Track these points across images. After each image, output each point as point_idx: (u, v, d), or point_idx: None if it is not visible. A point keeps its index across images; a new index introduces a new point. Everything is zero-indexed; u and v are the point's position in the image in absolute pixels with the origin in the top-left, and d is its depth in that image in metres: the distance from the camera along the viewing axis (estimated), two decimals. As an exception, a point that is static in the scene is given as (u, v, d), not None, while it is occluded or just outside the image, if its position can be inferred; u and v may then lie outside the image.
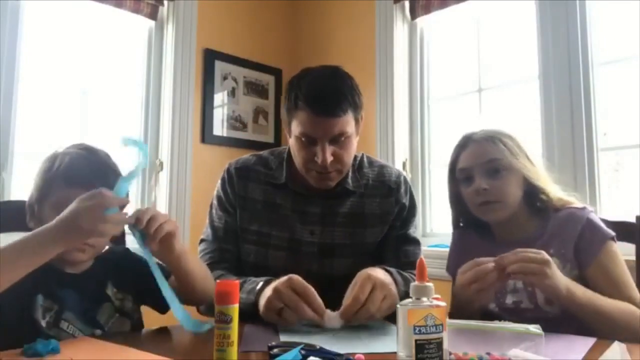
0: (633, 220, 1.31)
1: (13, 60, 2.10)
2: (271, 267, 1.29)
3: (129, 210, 1.01)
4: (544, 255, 1.00)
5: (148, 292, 1.08)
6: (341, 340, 0.95)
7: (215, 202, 1.41)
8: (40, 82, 2.24)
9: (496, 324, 0.88)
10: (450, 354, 0.73)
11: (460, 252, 1.29)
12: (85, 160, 1.08)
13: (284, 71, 2.95)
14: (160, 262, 1.05)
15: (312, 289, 1.06)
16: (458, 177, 1.25)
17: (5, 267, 0.87)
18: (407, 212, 1.38)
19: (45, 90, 2.26)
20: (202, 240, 1.40)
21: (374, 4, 2.63)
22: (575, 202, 1.22)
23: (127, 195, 1.01)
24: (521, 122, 2.18)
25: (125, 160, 1.10)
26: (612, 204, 1.88)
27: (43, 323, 1.00)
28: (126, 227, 1.00)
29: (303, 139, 1.22)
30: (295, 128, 1.23)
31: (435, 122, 2.50)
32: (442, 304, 0.70)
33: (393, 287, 1.11)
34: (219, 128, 2.70)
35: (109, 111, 2.45)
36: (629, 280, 1.13)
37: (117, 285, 1.13)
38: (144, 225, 0.96)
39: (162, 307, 1.13)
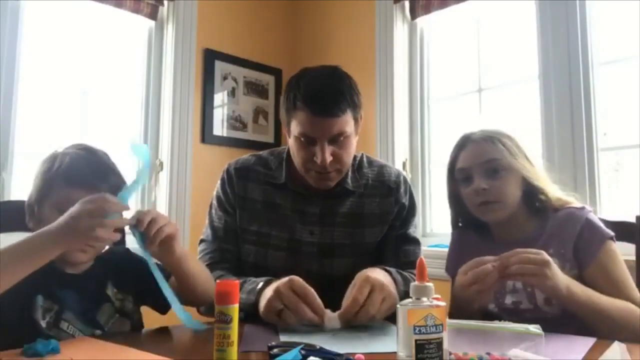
0: (633, 220, 1.31)
1: (13, 60, 2.10)
2: (271, 267, 1.29)
3: (128, 213, 1.01)
4: (544, 255, 1.00)
5: (148, 292, 1.08)
6: (341, 340, 0.95)
7: (215, 202, 1.40)
8: (40, 82, 2.24)
9: (496, 324, 0.88)
10: (450, 354, 0.73)
11: (459, 252, 1.29)
12: (85, 160, 1.08)
13: (284, 71, 2.95)
14: (160, 263, 1.05)
15: (313, 291, 1.05)
16: (457, 177, 1.25)
17: (6, 269, 0.87)
18: (407, 212, 1.38)
19: (45, 90, 2.26)
20: (202, 241, 1.40)
21: (374, 4, 2.62)
22: (574, 202, 1.22)
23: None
24: (521, 122, 2.18)
25: (125, 160, 1.10)
26: (612, 204, 1.88)
27: (43, 323, 1.00)
28: (127, 227, 1.00)
29: (302, 139, 1.22)
30: (295, 128, 1.23)
31: (435, 122, 2.50)
32: (442, 304, 0.70)
33: (392, 288, 1.11)
34: (219, 128, 2.70)
35: (108, 111, 2.45)
36: (629, 280, 1.13)
37: (117, 286, 1.13)
38: (145, 227, 0.96)
39: (162, 307, 1.13)
